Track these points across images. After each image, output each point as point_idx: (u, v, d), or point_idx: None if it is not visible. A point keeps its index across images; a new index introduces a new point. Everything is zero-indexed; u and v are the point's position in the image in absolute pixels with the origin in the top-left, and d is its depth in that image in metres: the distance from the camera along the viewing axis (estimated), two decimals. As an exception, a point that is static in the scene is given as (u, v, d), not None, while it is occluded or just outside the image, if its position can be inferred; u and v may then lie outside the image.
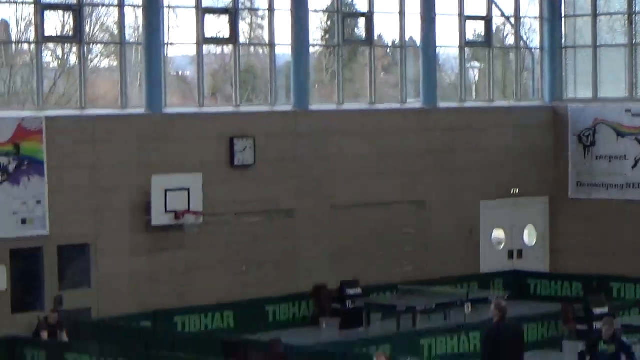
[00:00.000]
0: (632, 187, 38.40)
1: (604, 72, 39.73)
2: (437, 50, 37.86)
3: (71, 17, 31.87)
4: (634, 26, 38.51)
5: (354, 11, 36.84)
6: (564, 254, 39.57)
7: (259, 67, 35.53)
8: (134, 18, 32.76)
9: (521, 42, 40.00)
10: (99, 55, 32.91)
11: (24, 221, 30.84)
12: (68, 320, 29.57)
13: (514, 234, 39.43)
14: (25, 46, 31.89)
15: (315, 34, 35.82)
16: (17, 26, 31.83)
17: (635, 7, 38.14)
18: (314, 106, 35.72)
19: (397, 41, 37.46)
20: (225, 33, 34.20)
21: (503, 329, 22.33)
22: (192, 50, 33.82)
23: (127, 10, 32.55)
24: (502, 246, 39.25)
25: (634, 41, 38.78)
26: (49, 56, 32.12)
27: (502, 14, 39.44)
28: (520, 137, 39.16)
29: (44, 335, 28.81)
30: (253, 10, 34.81)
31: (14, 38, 31.88)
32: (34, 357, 28.19)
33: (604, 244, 38.54)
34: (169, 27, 33.19)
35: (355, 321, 32.65)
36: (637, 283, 35.70)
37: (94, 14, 32.52)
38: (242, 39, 34.59)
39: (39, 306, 30.68)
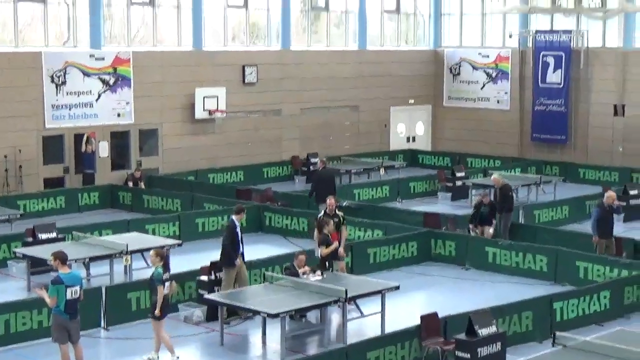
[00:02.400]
0: (481, 100, 38.44)
1: (465, 30, 39.55)
2: (366, 14, 37.41)
3: (148, -10, 31.60)
4: (483, 3, 38.23)
5: (318, -10, 36.45)
6: (440, 140, 39.59)
7: (261, 23, 35.09)
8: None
9: (416, 10, 39.58)
10: (164, 13, 32.39)
11: (119, 115, 30.73)
12: (145, 176, 29.68)
13: (410, 127, 39.31)
14: (120, 6, 31.36)
15: (294, 4, 35.29)
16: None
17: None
18: (293, 47, 35.37)
19: (344, 9, 37.07)
20: (240, 2, 33.87)
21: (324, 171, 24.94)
22: (221, 11, 33.46)
23: (182, -13, 32.29)
24: (403, 134, 39.13)
25: (484, 12, 38.54)
26: (134, 13, 31.59)
27: (407, -6, 39.08)
28: (415, 68, 38.94)
29: (130, 184, 28.88)
30: (257, -12, 34.37)
31: (113, 1, 31.31)
32: (124, 198, 28.26)
33: (463, 133, 38.68)
34: (206, -2, 32.77)
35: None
36: (482, 158, 35.78)
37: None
38: (250, 6, 34.14)
39: (127, 166, 30.69)
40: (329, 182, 24.81)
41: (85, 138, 29.30)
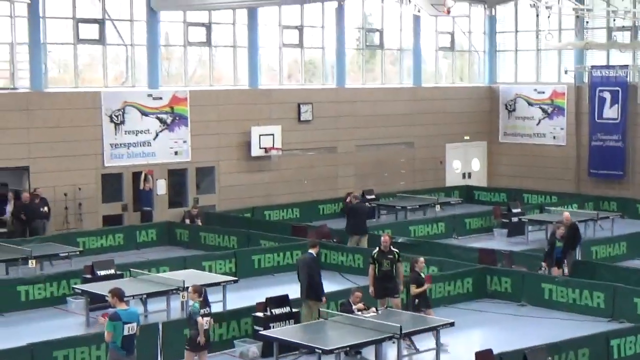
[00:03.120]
0: (537, 136, 38.29)
1: (520, 66, 39.51)
2: (421, 52, 37.57)
3: (205, 30, 31.97)
4: (538, 39, 38.17)
5: (372, 27, 36.61)
6: (496, 176, 39.44)
7: (316, 61, 35.37)
8: (241, 33, 32.76)
9: (471, 47, 39.67)
10: (220, 53, 32.86)
11: (176, 153, 31.06)
12: (202, 213, 29.91)
13: (466, 163, 39.25)
14: (178, 48, 31.84)
15: (348, 42, 35.56)
16: (172, 34, 31.87)
17: (539, 25, 37.64)
18: (348, 85, 35.57)
19: (398, 47, 37.26)
20: (296, 41, 34.19)
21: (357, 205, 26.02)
22: (276, 51, 33.80)
23: (237, 27, 32.66)
24: (458, 170, 39.08)
25: (538, 48, 38.50)
26: (191, 53, 32.04)
27: (461, 31, 39.14)
28: (471, 105, 38.93)
29: (187, 221, 29.12)
30: (311, 27, 34.61)
31: (171, 42, 31.84)
32: (181, 235, 28.49)
33: (519, 170, 38.49)
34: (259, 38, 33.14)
35: (371, 215, 32.53)
36: (538, 194, 35.62)
37: (218, 28, 32.43)
38: (306, 45, 34.47)
39: (184, 204, 30.96)
40: (361, 216, 25.62)
41: (143, 176, 29.65)
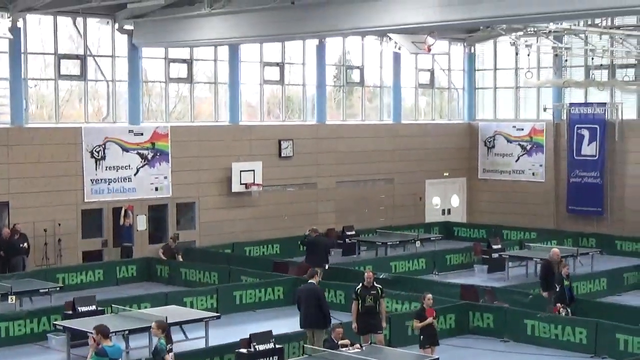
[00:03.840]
0: (516, 172, 38.46)
1: (500, 103, 39.75)
2: (401, 89, 37.73)
3: (186, 66, 32.02)
4: (517, 77, 38.47)
5: (352, 65, 36.76)
6: (476, 212, 39.55)
7: (296, 97, 35.46)
8: (222, 69, 32.83)
9: (451, 84, 39.89)
10: (201, 89, 32.93)
11: (156, 188, 30.99)
12: (182, 248, 29.79)
13: (445, 199, 39.33)
14: (158, 84, 31.84)
15: (328, 79, 35.73)
16: (153, 70, 31.87)
17: (518, 63, 37.99)
18: (328, 121, 35.67)
19: (378, 83, 37.44)
20: (277, 77, 34.28)
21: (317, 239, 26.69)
22: (257, 88, 33.86)
23: (218, 64, 32.74)
24: (438, 207, 39.14)
25: (517, 85, 38.78)
26: (172, 89, 32.06)
27: (441, 68, 39.36)
28: (450, 141, 39.10)
29: (160, 253, 28.92)
30: (292, 64, 34.73)
31: (151, 78, 31.82)
32: (162, 271, 28.32)
33: (499, 206, 38.61)
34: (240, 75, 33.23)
35: (351, 251, 32.67)
36: (518, 230, 35.66)
37: (199, 64, 32.51)
38: (286, 81, 34.58)
39: (164, 239, 30.70)
40: (321, 249, 26.22)
41: (123, 211, 29.54)
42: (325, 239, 27.76)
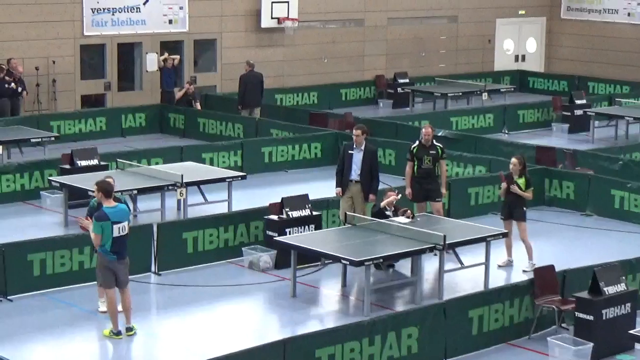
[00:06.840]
0: (607, 12, 37.89)
1: None
2: None
3: None
4: None
5: None
6: (555, 60, 39.13)
7: None
8: None
9: None
10: None
11: (170, 21, 30.87)
12: (200, 95, 29.75)
13: (520, 43, 38.93)
14: None
15: None
16: None
17: None
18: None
19: None
20: None
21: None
22: None
23: None
24: (510, 52, 38.72)
25: None
26: None
27: None
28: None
29: (178, 95, 28.82)
30: None
31: None
32: (176, 121, 28.38)
33: (584, 53, 38.21)
34: None
35: (404, 102, 32.66)
36: (607, 83, 35.43)
37: None
38: None
39: (179, 84, 30.54)
40: (256, 87, 27.30)
41: (163, 54, 29.28)
42: (259, 75, 28.13)
